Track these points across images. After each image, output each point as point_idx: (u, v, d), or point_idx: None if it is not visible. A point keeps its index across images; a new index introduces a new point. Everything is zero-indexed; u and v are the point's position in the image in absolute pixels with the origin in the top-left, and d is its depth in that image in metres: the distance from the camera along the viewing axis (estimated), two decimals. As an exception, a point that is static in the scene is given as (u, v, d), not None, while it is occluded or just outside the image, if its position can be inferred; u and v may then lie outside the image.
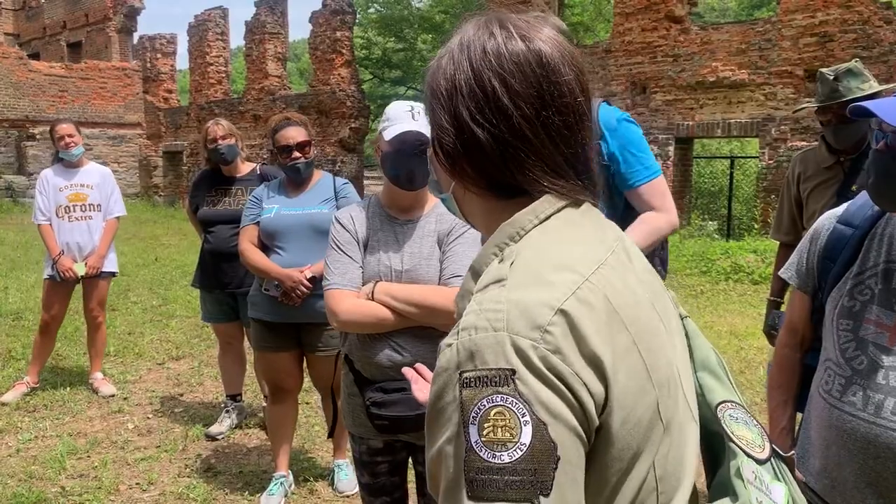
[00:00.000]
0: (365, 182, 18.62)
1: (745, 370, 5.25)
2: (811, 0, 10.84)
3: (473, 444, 0.72)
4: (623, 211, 2.35)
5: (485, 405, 0.72)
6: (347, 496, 3.42)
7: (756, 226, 11.29)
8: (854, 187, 2.71)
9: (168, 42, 22.43)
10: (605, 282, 0.81)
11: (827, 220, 1.71)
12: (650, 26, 12.57)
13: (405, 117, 1.97)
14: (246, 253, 3.22)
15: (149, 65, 22.16)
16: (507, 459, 0.71)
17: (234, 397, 4.29)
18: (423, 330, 1.98)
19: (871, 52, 10.20)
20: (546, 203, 0.86)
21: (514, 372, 0.72)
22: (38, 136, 19.28)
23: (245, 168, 4.11)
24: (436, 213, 2.10)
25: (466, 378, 0.74)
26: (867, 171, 1.54)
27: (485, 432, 0.72)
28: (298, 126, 3.26)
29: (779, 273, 2.06)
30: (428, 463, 0.80)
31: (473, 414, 0.72)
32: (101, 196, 4.84)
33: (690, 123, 12.21)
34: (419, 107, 1.98)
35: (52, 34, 25.99)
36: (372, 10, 31.53)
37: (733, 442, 0.87)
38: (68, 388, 4.90)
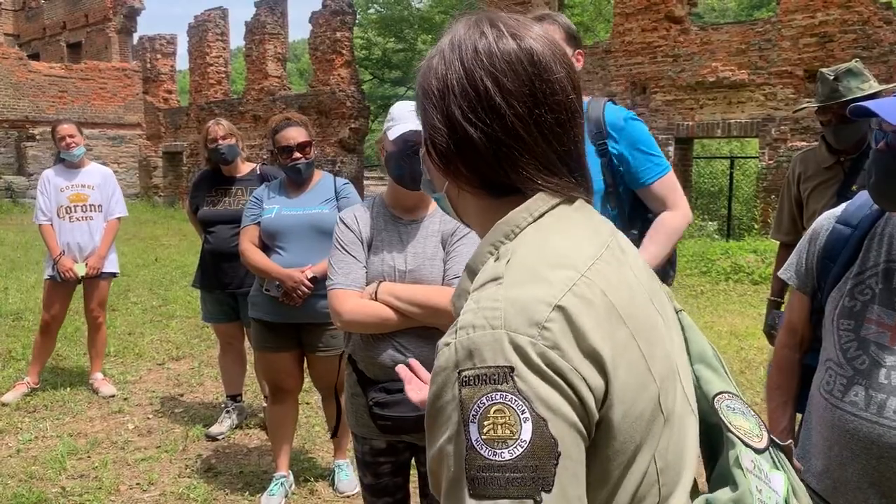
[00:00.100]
0: (365, 182, 18.63)
1: (746, 370, 5.25)
2: (811, 0, 10.85)
3: (474, 443, 0.72)
4: (630, 210, 2.35)
5: (484, 403, 0.72)
6: (348, 496, 3.42)
7: (756, 226, 11.29)
8: (854, 187, 2.71)
9: (168, 42, 22.43)
10: (602, 277, 0.81)
11: (826, 221, 1.71)
12: (650, 26, 12.57)
13: (409, 117, 1.97)
14: (247, 253, 3.22)
15: (149, 65, 22.16)
16: (507, 457, 0.71)
17: (235, 397, 4.30)
18: (427, 330, 1.98)
19: (871, 53, 10.21)
20: (540, 201, 0.86)
21: (512, 369, 0.73)
22: (38, 137, 19.29)
23: (245, 168, 4.11)
24: (440, 213, 2.10)
25: (465, 376, 0.74)
26: (868, 170, 1.54)
27: (485, 430, 0.72)
28: (299, 126, 3.26)
29: (778, 274, 2.06)
30: (429, 463, 0.80)
31: (473, 412, 0.73)
32: (103, 197, 4.84)
33: (690, 123, 12.21)
34: None
35: (52, 35, 25.99)
36: (372, 10, 31.53)
37: (731, 432, 0.88)
38: (68, 389, 4.90)
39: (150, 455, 3.88)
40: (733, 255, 9.41)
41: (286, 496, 3.36)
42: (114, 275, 4.98)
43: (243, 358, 4.33)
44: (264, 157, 15.29)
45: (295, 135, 3.21)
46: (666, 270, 2.34)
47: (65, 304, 4.85)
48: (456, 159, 0.88)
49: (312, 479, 3.59)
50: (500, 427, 0.72)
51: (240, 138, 4.08)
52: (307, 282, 3.06)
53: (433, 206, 2.13)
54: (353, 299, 1.99)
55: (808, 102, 3.07)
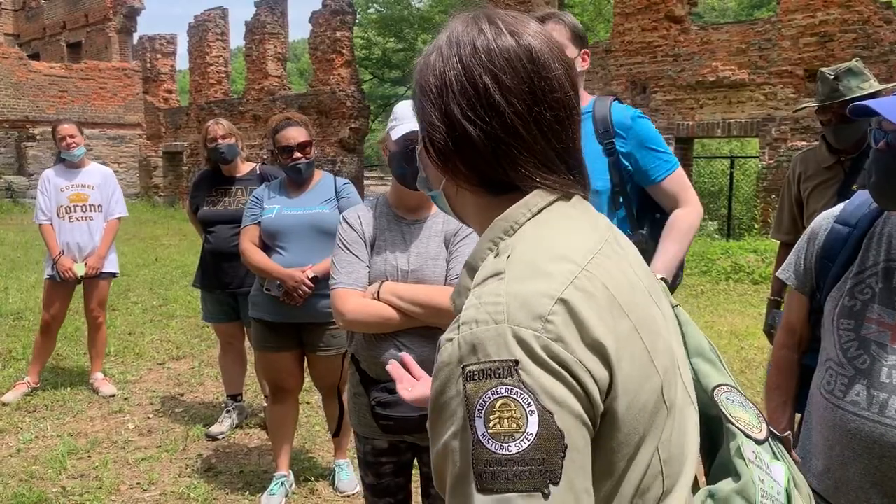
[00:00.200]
0: (365, 182, 18.63)
1: (746, 370, 5.25)
2: (811, 0, 10.85)
3: (480, 437, 0.72)
4: (638, 210, 2.34)
5: (490, 397, 0.72)
6: (348, 496, 3.42)
7: (756, 226, 11.29)
8: (855, 187, 2.71)
9: (168, 42, 22.43)
10: (602, 270, 0.82)
11: (824, 221, 1.71)
12: (650, 26, 12.57)
13: (412, 116, 1.96)
14: (247, 253, 3.22)
15: (149, 65, 22.16)
16: (514, 450, 0.71)
17: (235, 397, 4.30)
18: (429, 330, 1.98)
19: (871, 52, 10.21)
20: (538, 197, 0.86)
21: (517, 363, 0.73)
22: (38, 137, 19.29)
23: (245, 168, 4.11)
24: (443, 213, 2.10)
25: (470, 371, 0.74)
26: (868, 170, 1.54)
27: (491, 424, 0.72)
28: (299, 126, 3.26)
29: (776, 274, 2.05)
30: (433, 460, 0.80)
31: (479, 407, 0.73)
32: (103, 196, 4.84)
33: (690, 123, 12.21)
34: None
35: (52, 34, 25.99)
36: (372, 10, 31.53)
37: (732, 423, 0.88)
38: (69, 389, 4.90)
39: (150, 455, 3.88)
40: (733, 255, 9.41)
41: (286, 496, 3.36)
42: (113, 275, 4.98)
43: (243, 358, 4.33)
44: (264, 156, 15.29)
45: (295, 134, 3.21)
46: (676, 272, 2.34)
47: (65, 303, 4.85)
48: (454, 157, 0.88)
49: (313, 478, 3.59)
50: (506, 421, 0.72)
51: (239, 138, 4.08)
52: (308, 281, 3.06)
53: (436, 206, 2.12)
54: (356, 299, 1.99)
55: (808, 102, 3.07)
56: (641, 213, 2.34)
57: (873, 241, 1.57)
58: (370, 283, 2.03)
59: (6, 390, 4.76)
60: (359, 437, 2.18)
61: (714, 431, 0.91)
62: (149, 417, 4.45)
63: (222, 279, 3.95)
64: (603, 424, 0.77)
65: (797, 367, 1.81)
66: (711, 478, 0.89)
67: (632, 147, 2.26)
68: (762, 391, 1.89)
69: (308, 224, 3.18)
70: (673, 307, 0.99)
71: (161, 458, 3.84)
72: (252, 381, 4.62)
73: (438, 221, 2.09)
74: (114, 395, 4.78)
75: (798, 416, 1.84)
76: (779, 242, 3.23)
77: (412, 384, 1.31)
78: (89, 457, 3.85)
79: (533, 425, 0.71)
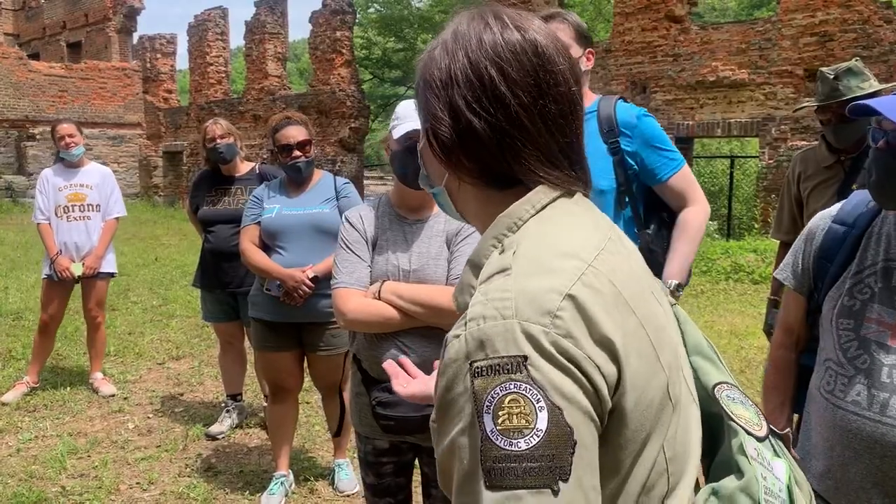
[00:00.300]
0: (365, 182, 18.62)
1: (746, 370, 5.25)
2: (811, 0, 10.84)
3: (489, 433, 0.71)
4: (644, 209, 2.34)
5: (498, 393, 0.72)
6: (348, 496, 3.42)
7: (756, 225, 11.29)
8: (854, 186, 2.71)
9: (168, 42, 22.43)
10: (608, 267, 0.82)
11: (821, 221, 1.71)
12: (650, 26, 12.57)
13: (414, 116, 1.96)
14: (247, 253, 3.22)
15: (149, 65, 22.16)
16: (524, 446, 0.70)
17: (235, 397, 4.30)
18: (430, 330, 1.97)
19: (871, 52, 10.21)
20: (541, 193, 0.86)
21: (526, 358, 0.72)
22: (38, 137, 19.29)
23: (244, 167, 4.11)
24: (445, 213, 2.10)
25: (478, 367, 0.74)
26: (868, 169, 1.54)
27: (500, 420, 0.71)
28: (299, 125, 3.26)
29: (774, 274, 2.05)
30: (439, 458, 0.79)
31: (487, 403, 0.72)
32: (101, 196, 4.83)
33: (690, 123, 12.21)
34: None
35: (52, 34, 25.98)
36: (372, 10, 31.50)
37: (733, 420, 0.88)
38: (68, 388, 4.90)
39: (150, 454, 3.88)
40: (733, 255, 9.41)
41: (286, 495, 3.36)
42: (111, 275, 4.97)
43: (243, 357, 4.33)
44: (264, 156, 15.28)
45: (295, 133, 3.21)
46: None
47: (63, 303, 4.84)
48: (458, 150, 0.87)
49: (312, 478, 3.59)
50: (515, 417, 0.71)
51: (238, 137, 4.08)
52: (308, 282, 3.06)
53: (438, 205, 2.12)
54: (357, 298, 1.99)
55: (808, 102, 3.07)
56: (648, 213, 2.33)
57: (872, 240, 1.57)
58: (372, 283, 2.03)
59: (6, 390, 4.76)
60: (360, 437, 2.18)
61: (713, 429, 0.91)
62: (148, 417, 4.45)
63: (222, 279, 3.95)
64: (611, 421, 0.77)
65: (795, 367, 1.81)
66: (712, 475, 0.88)
67: (637, 146, 2.26)
68: (762, 391, 1.88)
69: (308, 224, 3.18)
70: (671, 306, 1.00)
71: (161, 458, 3.84)
72: (252, 381, 4.62)
73: (440, 221, 2.09)
74: (113, 395, 4.78)
75: (796, 416, 1.83)
76: (779, 242, 3.23)
77: (407, 381, 1.32)
78: (89, 456, 3.85)
79: (542, 421, 0.71)
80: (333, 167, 16.23)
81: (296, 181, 3.27)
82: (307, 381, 3.52)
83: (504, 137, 0.85)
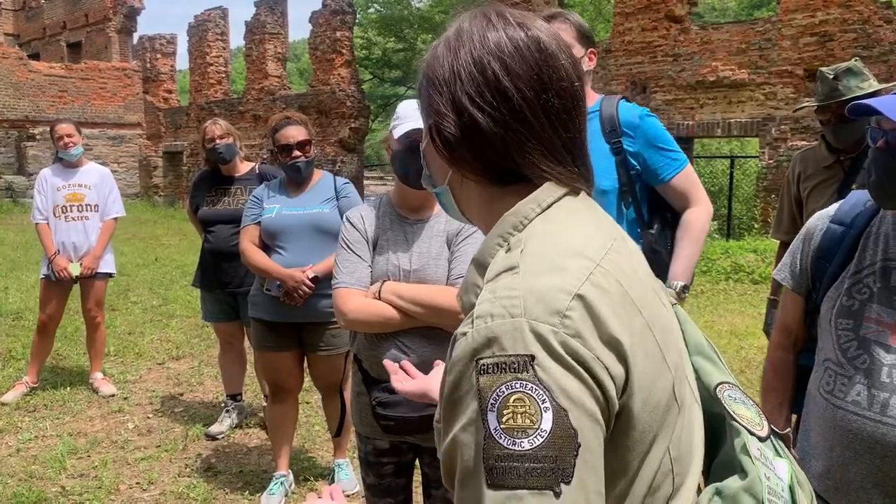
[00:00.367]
0: (365, 182, 18.62)
1: (746, 370, 5.25)
2: (811, 0, 10.84)
3: (493, 431, 0.71)
4: (647, 209, 2.33)
5: (504, 392, 0.71)
6: (348, 496, 3.42)
7: (756, 225, 11.29)
8: (854, 186, 2.71)
9: (168, 42, 22.43)
10: (615, 267, 0.82)
11: (819, 221, 1.70)
12: (650, 26, 12.57)
13: (415, 115, 1.96)
14: (247, 253, 3.22)
15: (149, 65, 22.16)
16: (527, 446, 0.70)
17: (235, 397, 4.30)
18: (431, 330, 1.97)
19: (871, 52, 10.20)
20: (547, 192, 0.86)
21: (533, 358, 0.72)
22: (38, 137, 19.28)
23: (244, 167, 4.11)
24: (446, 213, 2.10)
25: (484, 365, 0.73)
26: (867, 169, 1.54)
27: (504, 419, 0.71)
28: (299, 125, 3.26)
29: (772, 275, 2.05)
30: (443, 455, 0.79)
31: (492, 401, 0.72)
32: (99, 196, 4.83)
33: (690, 123, 12.21)
34: None
35: (52, 34, 25.98)
36: (372, 10, 31.49)
37: (735, 421, 0.88)
38: (68, 388, 4.89)
39: (149, 454, 3.88)
40: (733, 255, 9.41)
41: (286, 495, 3.36)
42: (109, 275, 4.96)
43: (243, 357, 4.33)
44: (264, 156, 15.28)
45: (295, 133, 3.20)
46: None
47: (61, 303, 4.84)
48: (462, 146, 0.87)
49: (312, 478, 3.59)
50: (519, 416, 0.71)
51: (237, 137, 4.08)
52: (308, 282, 3.06)
53: (439, 206, 2.12)
54: (357, 298, 1.99)
55: (807, 102, 3.07)
56: (652, 213, 2.33)
57: (870, 240, 1.56)
58: (373, 283, 2.03)
59: (6, 390, 4.76)
60: (360, 437, 2.18)
61: (714, 429, 0.91)
62: (148, 417, 4.45)
63: (222, 279, 3.95)
64: (619, 422, 0.77)
65: (793, 368, 1.81)
66: (713, 475, 0.88)
67: (640, 146, 2.25)
68: (760, 392, 1.88)
69: (308, 224, 3.18)
70: (672, 306, 1.00)
71: (160, 458, 3.84)
72: (252, 381, 4.62)
73: (441, 221, 2.09)
74: (113, 395, 4.78)
75: (794, 416, 1.83)
76: (778, 242, 3.23)
77: (405, 378, 1.32)
78: (89, 456, 3.85)
79: (547, 422, 0.70)
80: (333, 167, 16.23)
81: (295, 181, 3.27)
82: (307, 381, 3.52)
83: (507, 132, 0.85)
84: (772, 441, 0.91)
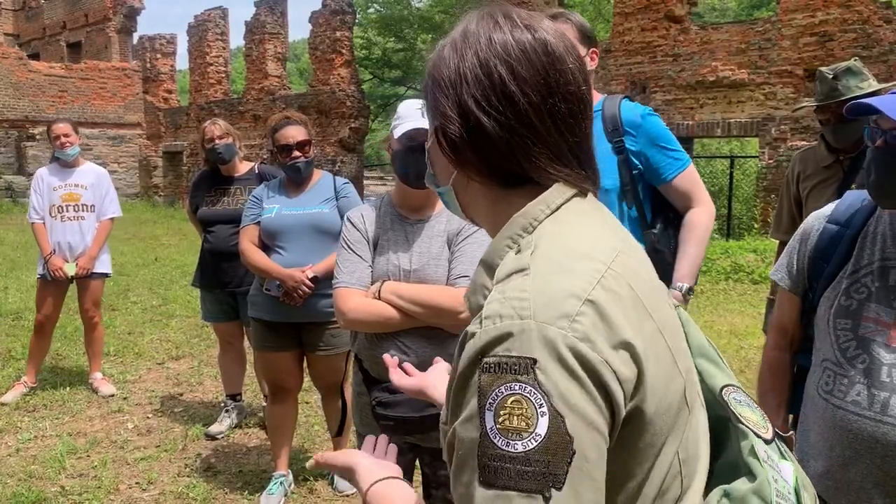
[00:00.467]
0: (365, 182, 18.62)
1: (745, 370, 5.25)
2: (811, 0, 10.84)
3: (488, 430, 0.72)
4: (649, 209, 2.33)
5: (502, 392, 0.72)
6: (347, 495, 3.41)
7: (756, 225, 11.29)
8: (854, 186, 2.71)
9: (168, 42, 22.43)
10: (626, 269, 0.81)
11: (816, 221, 1.70)
12: (650, 26, 12.57)
13: (416, 115, 1.96)
14: (247, 253, 3.22)
15: (149, 65, 22.16)
16: (521, 449, 0.70)
17: (234, 397, 4.29)
18: (431, 330, 1.98)
19: (870, 52, 10.21)
20: (556, 193, 0.86)
21: (535, 361, 0.72)
22: (37, 137, 19.27)
23: (243, 167, 4.11)
24: (446, 213, 2.10)
25: (486, 363, 0.74)
26: (866, 169, 1.53)
27: (500, 419, 0.71)
28: (298, 125, 3.26)
29: (769, 275, 2.05)
30: (446, 444, 0.80)
31: (491, 400, 0.72)
32: (96, 196, 4.81)
33: (690, 123, 12.21)
34: None
35: (52, 34, 25.98)
36: (372, 10, 31.48)
37: (742, 423, 0.88)
38: (68, 388, 4.89)
39: (149, 454, 3.88)
40: (733, 255, 9.40)
41: (285, 495, 3.36)
42: (106, 275, 4.95)
43: (243, 357, 4.33)
44: (264, 156, 15.28)
45: (294, 133, 3.20)
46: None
47: (58, 302, 4.83)
48: (467, 148, 0.87)
49: (312, 478, 3.59)
50: (515, 418, 0.71)
51: (237, 138, 4.08)
52: (308, 282, 3.06)
53: (440, 205, 2.12)
54: (357, 298, 1.99)
55: (807, 102, 3.07)
56: (654, 212, 2.33)
57: (867, 240, 1.56)
58: (373, 283, 2.03)
59: (5, 390, 4.76)
60: (360, 437, 2.18)
61: (719, 432, 0.91)
62: (148, 417, 4.45)
63: (221, 278, 3.95)
64: (631, 425, 0.77)
65: (790, 369, 1.80)
66: (716, 478, 0.88)
67: (642, 145, 2.25)
68: (757, 393, 1.87)
69: (307, 224, 3.18)
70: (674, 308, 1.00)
71: (160, 458, 3.84)
72: (251, 381, 4.62)
73: (441, 221, 2.09)
74: (113, 395, 4.78)
75: (790, 416, 1.83)
76: (778, 242, 3.23)
77: (402, 374, 1.34)
78: (88, 456, 3.85)
79: (542, 426, 0.70)
80: (333, 167, 16.23)
81: (295, 181, 3.27)
82: (307, 381, 3.52)
83: (513, 136, 0.84)
84: (776, 444, 0.90)
